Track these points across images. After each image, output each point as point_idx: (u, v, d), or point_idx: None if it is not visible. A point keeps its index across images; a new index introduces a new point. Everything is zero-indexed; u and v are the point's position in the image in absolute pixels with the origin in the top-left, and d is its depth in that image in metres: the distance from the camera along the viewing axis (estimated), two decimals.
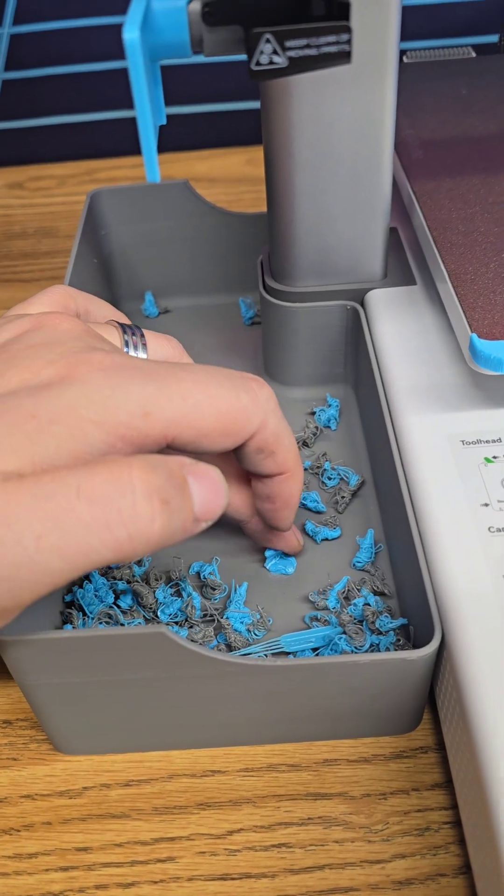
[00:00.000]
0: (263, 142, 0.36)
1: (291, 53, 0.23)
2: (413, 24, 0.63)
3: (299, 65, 0.23)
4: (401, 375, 0.35)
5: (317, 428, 0.41)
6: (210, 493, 0.23)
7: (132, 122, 0.69)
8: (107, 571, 0.35)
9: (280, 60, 0.23)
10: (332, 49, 0.23)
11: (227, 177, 0.65)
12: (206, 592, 0.34)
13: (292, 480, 0.30)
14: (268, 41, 0.23)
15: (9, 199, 0.64)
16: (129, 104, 0.68)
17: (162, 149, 0.71)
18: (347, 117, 0.33)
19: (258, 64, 0.23)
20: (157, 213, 0.47)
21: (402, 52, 0.53)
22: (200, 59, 0.66)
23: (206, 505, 0.23)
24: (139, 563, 0.35)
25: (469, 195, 0.38)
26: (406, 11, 0.38)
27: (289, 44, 0.23)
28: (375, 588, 0.34)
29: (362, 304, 0.40)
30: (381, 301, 0.39)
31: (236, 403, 0.25)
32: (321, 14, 0.23)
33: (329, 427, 0.41)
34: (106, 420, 0.23)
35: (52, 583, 0.21)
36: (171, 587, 0.34)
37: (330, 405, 0.42)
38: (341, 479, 0.39)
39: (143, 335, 0.31)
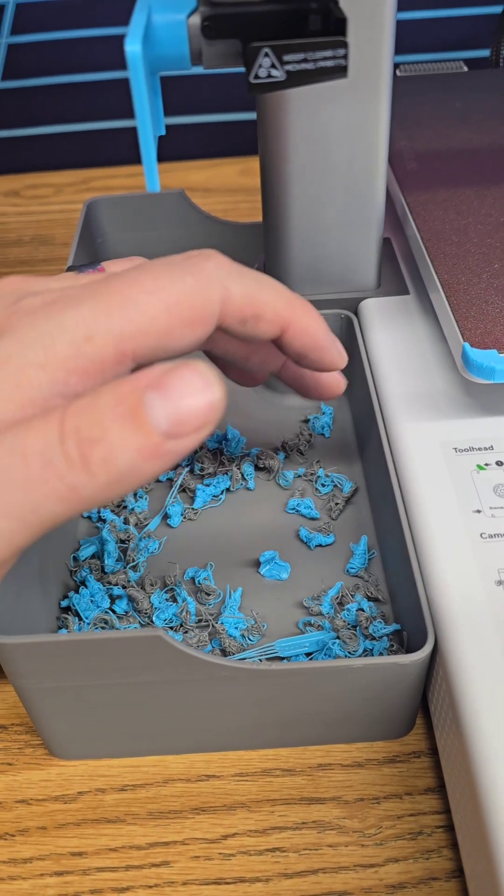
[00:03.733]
0: (259, 153, 0.37)
1: (289, 67, 0.23)
2: (406, 38, 0.64)
3: (297, 78, 0.24)
4: (394, 383, 0.36)
5: (311, 435, 0.41)
6: (187, 397, 0.20)
7: (128, 132, 0.70)
8: (102, 577, 0.35)
9: (278, 74, 0.24)
10: (329, 63, 0.23)
11: (223, 187, 0.65)
12: (200, 598, 0.35)
13: (303, 323, 0.26)
14: (266, 55, 0.23)
15: (5, 206, 0.65)
16: (126, 114, 0.69)
17: (158, 158, 0.71)
18: (342, 130, 0.34)
19: (257, 77, 0.24)
20: (153, 221, 0.47)
21: (396, 66, 0.53)
22: (197, 70, 0.66)
23: (181, 415, 0.20)
24: (134, 568, 0.36)
25: (462, 207, 0.39)
26: (399, 25, 0.39)
27: (287, 58, 0.23)
28: (369, 594, 0.34)
29: (356, 313, 0.40)
30: (375, 310, 0.39)
31: (183, 288, 0.22)
32: (318, 29, 0.23)
33: (323, 434, 0.42)
34: (47, 359, 0.21)
35: (10, 546, 0.21)
36: (166, 592, 0.35)
37: (324, 413, 0.42)
38: (335, 485, 0.39)
39: (101, 269, 0.28)
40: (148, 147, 0.23)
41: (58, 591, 0.34)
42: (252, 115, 0.70)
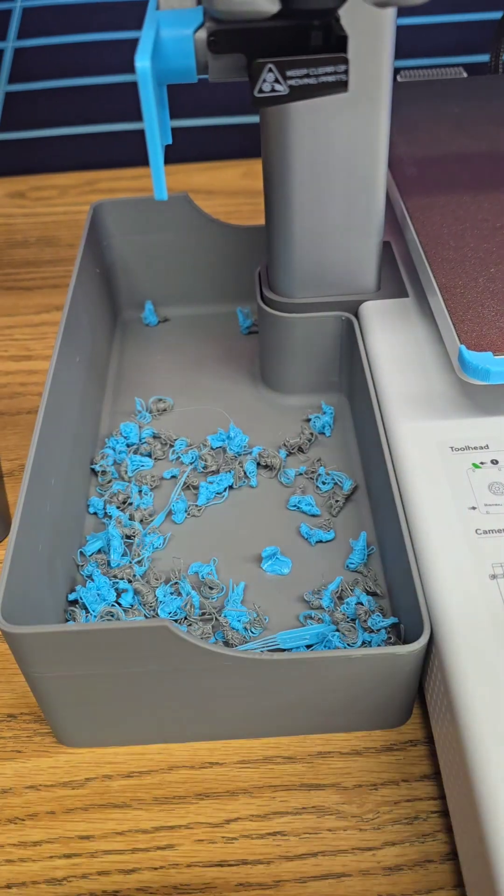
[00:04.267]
0: (262, 159, 0.38)
1: (292, 82, 0.24)
2: (406, 43, 0.65)
3: (299, 93, 0.25)
4: (393, 384, 0.37)
5: (312, 434, 0.42)
6: None
7: (133, 134, 0.71)
8: (108, 571, 0.36)
9: (281, 89, 0.24)
10: (331, 78, 0.24)
11: (225, 189, 0.66)
12: (204, 592, 0.36)
13: None
14: (270, 70, 0.24)
15: (11, 208, 0.66)
16: (130, 116, 0.70)
17: (165, 161, 0.72)
18: (343, 138, 0.35)
19: (261, 91, 0.25)
20: (157, 224, 0.48)
21: (396, 71, 0.54)
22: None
23: None
24: (140, 563, 0.37)
25: (460, 212, 0.40)
26: (399, 30, 0.40)
27: (289, 73, 0.24)
28: (368, 588, 0.35)
29: (356, 316, 0.41)
30: (375, 313, 0.40)
31: None
32: (320, 46, 0.24)
33: (324, 433, 0.43)
34: None
35: None
36: (170, 586, 0.36)
37: (325, 412, 0.43)
38: (335, 483, 0.40)
39: None
40: (156, 157, 0.24)
41: (65, 584, 0.35)
42: (254, 118, 0.71)
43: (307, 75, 0.24)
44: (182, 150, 0.70)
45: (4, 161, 0.70)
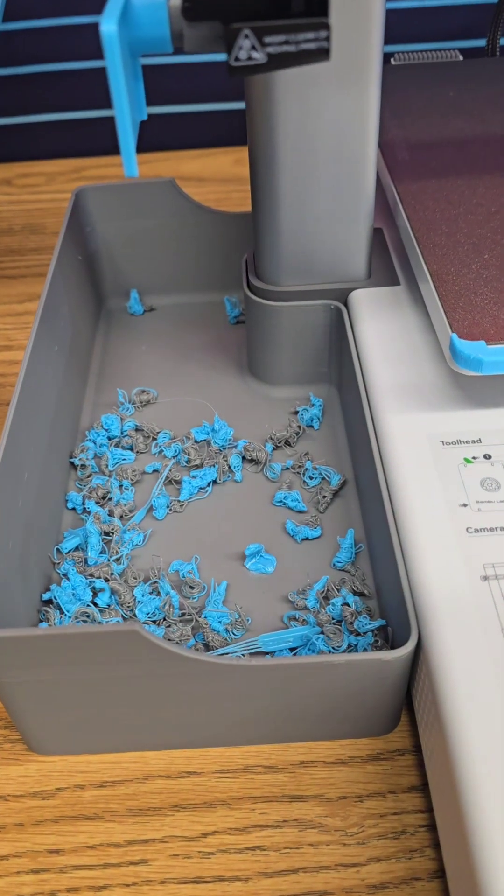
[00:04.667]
0: (248, 142, 0.36)
1: (270, 49, 0.23)
2: (401, 27, 0.63)
3: (278, 61, 0.23)
4: (383, 375, 0.35)
5: (299, 427, 0.41)
6: None
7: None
8: (84, 569, 0.35)
9: (259, 56, 0.23)
10: (311, 46, 0.23)
11: (216, 176, 0.65)
12: (184, 591, 0.34)
13: None
14: (246, 37, 0.22)
15: None
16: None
17: (151, 147, 0.71)
18: (331, 118, 0.33)
19: (237, 59, 0.23)
20: (143, 210, 0.47)
21: (390, 55, 0.53)
22: (191, 58, 0.66)
23: None
24: (118, 561, 0.35)
25: (453, 196, 0.38)
26: (395, 14, 0.38)
27: (267, 39, 0.22)
28: (355, 588, 0.33)
29: (346, 304, 0.40)
30: (365, 301, 0.39)
31: None
32: (300, 10, 0.23)
33: (312, 426, 0.41)
34: None
35: None
36: (149, 585, 0.34)
37: (313, 405, 0.42)
38: (323, 478, 0.38)
39: None
40: (125, 131, 0.23)
41: (40, 583, 0.34)
42: (244, 105, 0.69)
43: (286, 42, 0.22)
44: (172, 137, 0.68)
45: None
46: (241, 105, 0.68)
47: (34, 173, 0.67)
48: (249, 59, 0.23)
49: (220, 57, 0.69)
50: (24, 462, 0.33)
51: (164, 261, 0.49)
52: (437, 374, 0.34)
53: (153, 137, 0.66)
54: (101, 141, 0.68)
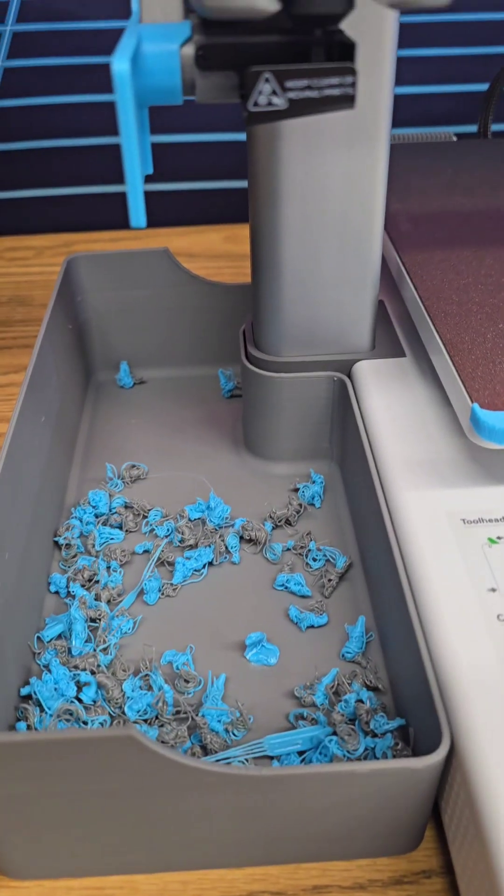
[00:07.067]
0: (250, 208, 0.35)
1: (292, 95, 0.21)
2: (396, 111, 0.64)
3: (299, 107, 0.22)
4: (392, 450, 0.33)
5: (300, 505, 0.38)
6: None
7: (112, 197, 0.69)
8: (68, 660, 0.31)
9: (279, 102, 0.21)
10: (336, 92, 0.21)
11: (207, 252, 0.64)
12: (179, 685, 0.31)
13: None
14: (267, 80, 0.21)
15: None
16: (110, 179, 0.68)
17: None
18: (339, 182, 0.32)
19: (256, 105, 0.22)
20: (135, 280, 0.45)
21: None
22: (183, 137, 0.66)
23: None
24: (105, 651, 0.32)
25: (461, 267, 0.37)
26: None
27: (289, 84, 0.21)
28: (368, 682, 0.30)
29: (349, 376, 0.38)
30: (370, 372, 0.37)
31: None
32: (323, 55, 0.22)
33: (313, 504, 0.39)
34: None
35: None
36: (140, 679, 0.31)
37: (314, 481, 0.39)
38: (327, 560, 0.36)
39: None
40: (134, 177, 0.21)
41: (18, 676, 0.30)
42: (238, 184, 0.69)
43: (309, 87, 0.21)
44: (163, 214, 0.68)
45: None
46: (231, 184, 0.68)
47: (23, 247, 0.66)
48: (269, 104, 0.21)
49: (213, 136, 0.70)
50: (4, 541, 0.30)
51: (156, 332, 0.47)
52: (453, 448, 0.32)
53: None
54: (91, 216, 0.68)
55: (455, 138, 0.53)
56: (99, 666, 0.31)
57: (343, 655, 0.32)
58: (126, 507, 0.39)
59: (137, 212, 0.22)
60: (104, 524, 0.38)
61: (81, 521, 0.38)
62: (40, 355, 0.37)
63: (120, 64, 0.20)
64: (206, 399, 0.46)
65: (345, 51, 0.21)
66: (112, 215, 0.67)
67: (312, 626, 0.33)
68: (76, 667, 0.31)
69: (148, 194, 0.70)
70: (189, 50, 0.23)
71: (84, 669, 0.31)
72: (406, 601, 0.27)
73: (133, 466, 0.41)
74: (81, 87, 0.64)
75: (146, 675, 0.31)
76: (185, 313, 0.46)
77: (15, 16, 0.61)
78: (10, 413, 0.47)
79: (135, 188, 0.21)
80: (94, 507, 0.38)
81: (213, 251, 0.64)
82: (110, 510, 0.38)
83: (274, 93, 0.21)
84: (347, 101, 0.21)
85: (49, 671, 0.31)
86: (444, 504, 0.30)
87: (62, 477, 0.40)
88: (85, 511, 0.38)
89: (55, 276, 0.61)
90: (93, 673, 0.31)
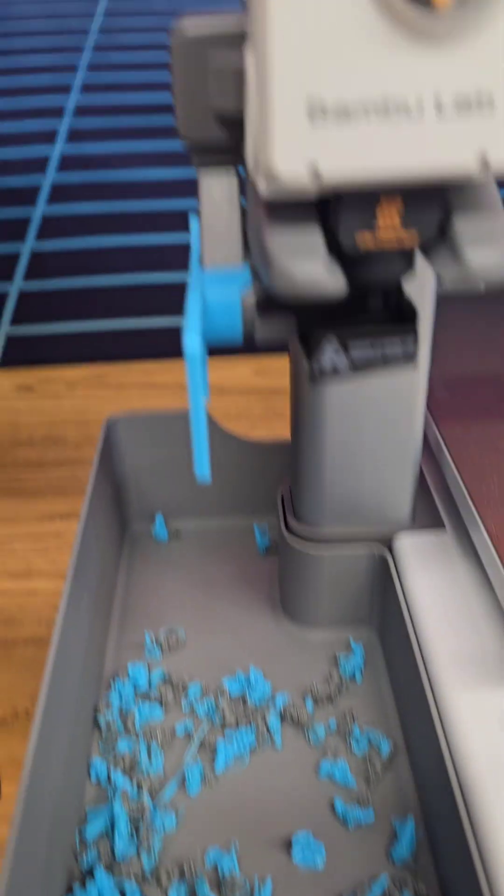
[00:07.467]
0: (291, 385, 0.35)
1: (355, 355, 0.22)
2: None
3: (361, 367, 0.22)
4: (437, 639, 0.33)
5: (341, 679, 0.38)
6: None
7: (142, 332, 0.71)
8: (112, 863, 0.31)
9: (341, 363, 0.22)
10: (398, 351, 0.22)
11: (237, 388, 0.65)
12: (224, 891, 0.30)
13: None
14: (330, 342, 0.22)
15: (17, 401, 0.64)
16: (140, 312, 0.70)
17: (171, 354, 0.71)
18: (380, 389, 0.33)
19: (321, 368, 0.22)
20: (172, 440, 0.46)
21: None
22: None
23: None
24: (148, 850, 0.31)
25: (500, 443, 0.38)
26: None
27: (353, 346, 0.22)
28: (419, 892, 0.29)
29: (390, 548, 0.38)
30: (411, 549, 0.37)
31: None
32: (384, 316, 0.23)
33: (354, 679, 0.38)
34: None
35: None
36: (183, 883, 0.30)
37: (353, 652, 0.39)
38: (371, 744, 0.35)
39: None
40: (200, 434, 0.22)
41: (61, 881, 0.30)
42: None
43: (371, 347, 0.22)
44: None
45: (16, 354, 0.69)
46: None
47: (56, 379, 0.67)
48: (333, 365, 0.22)
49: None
50: (57, 724, 0.30)
51: (191, 486, 0.48)
52: (499, 642, 0.32)
53: (171, 345, 0.68)
54: (122, 349, 0.70)
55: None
56: (143, 871, 0.30)
57: (392, 858, 0.31)
58: (165, 681, 0.38)
59: (203, 465, 0.23)
60: (144, 699, 0.37)
61: (121, 696, 0.37)
62: (86, 532, 0.37)
63: (191, 343, 0.20)
64: (242, 555, 0.46)
65: (408, 314, 0.22)
66: (141, 348, 0.69)
67: (359, 823, 0.32)
68: (120, 872, 0.30)
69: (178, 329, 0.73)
70: (251, 299, 0.24)
71: (128, 876, 0.30)
72: (460, 813, 0.27)
73: (171, 632, 0.41)
74: (112, 229, 0.66)
75: (191, 881, 0.30)
76: (221, 469, 0.47)
77: (56, 168, 0.64)
78: (47, 566, 0.47)
79: (201, 444, 0.22)
80: (133, 682, 0.38)
81: (244, 385, 0.65)
82: (149, 684, 0.38)
83: (336, 353, 0.22)
84: (408, 358, 0.22)
85: (92, 877, 0.30)
86: (495, 704, 0.30)
87: (100, 645, 0.40)
88: (124, 685, 0.38)
89: (88, 413, 0.62)
90: (138, 883, 0.30)
